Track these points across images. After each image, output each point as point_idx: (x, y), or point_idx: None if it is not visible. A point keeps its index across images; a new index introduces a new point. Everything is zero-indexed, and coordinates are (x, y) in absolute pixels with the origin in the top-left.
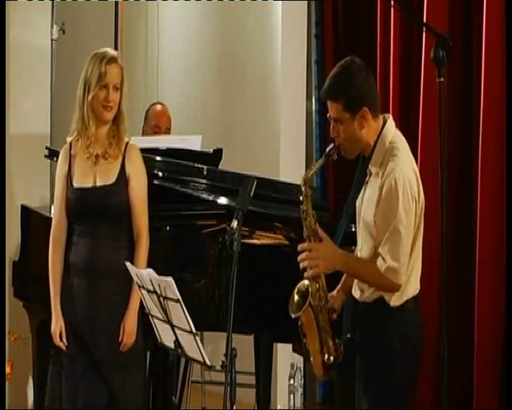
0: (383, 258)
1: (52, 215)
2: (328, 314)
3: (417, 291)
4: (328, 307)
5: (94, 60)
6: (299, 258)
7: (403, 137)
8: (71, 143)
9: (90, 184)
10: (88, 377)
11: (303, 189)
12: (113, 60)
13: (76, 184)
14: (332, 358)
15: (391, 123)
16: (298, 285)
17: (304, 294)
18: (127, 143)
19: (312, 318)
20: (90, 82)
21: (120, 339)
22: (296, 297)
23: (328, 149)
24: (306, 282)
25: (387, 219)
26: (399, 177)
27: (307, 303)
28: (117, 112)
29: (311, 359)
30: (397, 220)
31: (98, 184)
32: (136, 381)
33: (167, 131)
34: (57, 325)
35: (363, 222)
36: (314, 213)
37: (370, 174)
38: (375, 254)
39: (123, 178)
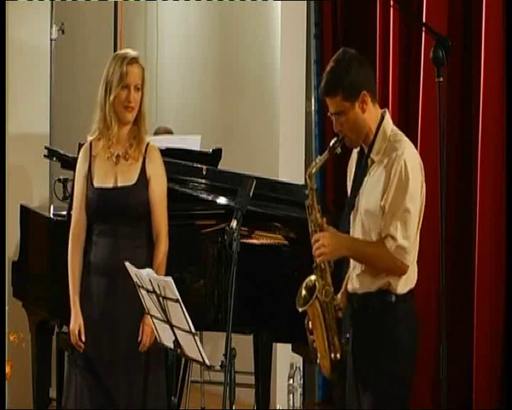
0: (393, 237)
1: (50, 213)
2: (335, 312)
3: (415, 282)
4: (334, 305)
5: (115, 60)
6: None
7: None
8: (91, 143)
9: (111, 185)
10: (107, 376)
11: (308, 183)
12: (134, 60)
13: (97, 184)
14: (339, 356)
15: (389, 117)
16: (305, 281)
17: (311, 289)
18: (148, 143)
19: (319, 313)
20: (112, 82)
21: (140, 339)
22: (303, 292)
23: (331, 143)
24: (313, 277)
25: (397, 199)
26: (409, 158)
27: (314, 296)
28: (138, 113)
29: (319, 357)
30: (407, 200)
31: (119, 185)
32: (157, 381)
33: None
34: (76, 322)
35: (364, 213)
36: (319, 208)
37: (372, 163)
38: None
39: (144, 178)
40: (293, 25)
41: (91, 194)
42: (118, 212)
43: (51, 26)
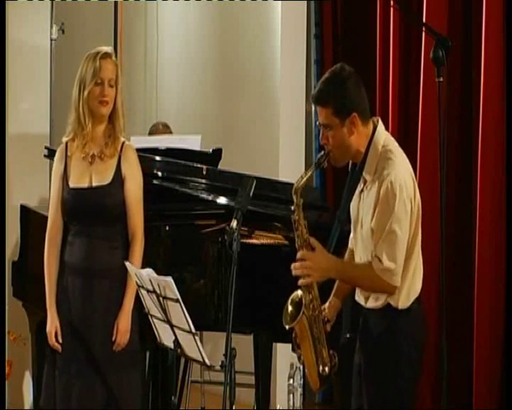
0: (379, 259)
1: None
2: (323, 325)
3: (420, 290)
4: (321, 318)
5: (88, 58)
6: (292, 266)
7: (393, 139)
8: (67, 144)
9: (86, 185)
10: (82, 376)
11: (294, 198)
12: (107, 55)
13: (72, 185)
14: (327, 369)
15: (381, 126)
16: (291, 296)
17: (297, 304)
18: (123, 143)
19: (307, 328)
20: (86, 79)
21: (114, 338)
22: (290, 308)
23: (318, 157)
24: (300, 292)
25: (383, 220)
26: (395, 179)
27: (301, 314)
28: (112, 109)
29: (306, 371)
30: (392, 221)
31: (94, 185)
32: (132, 381)
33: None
34: (52, 324)
35: (364, 232)
36: (306, 224)
37: (365, 182)
38: None
39: (119, 178)
40: (293, 25)
41: (67, 194)
42: (93, 212)
43: (51, 26)
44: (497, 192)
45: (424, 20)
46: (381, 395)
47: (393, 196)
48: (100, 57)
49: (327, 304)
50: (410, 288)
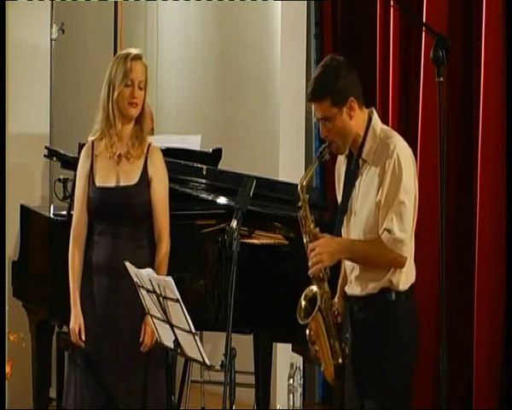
0: (389, 230)
1: (50, 213)
2: (334, 318)
3: (414, 278)
4: (333, 310)
5: (118, 59)
6: (309, 262)
7: None
8: (93, 143)
9: (112, 184)
10: (106, 376)
11: (300, 195)
12: (137, 57)
13: (98, 184)
14: (341, 360)
15: (376, 116)
16: (305, 291)
17: (311, 299)
18: (150, 144)
19: (321, 324)
20: (115, 81)
21: (141, 340)
22: (303, 303)
23: (320, 150)
24: (314, 288)
25: (391, 192)
26: (401, 152)
27: (316, 309)
28: (140, 111)
29: (323, 365)
30: (401, 193)
31: (121, 184)
32: (157, 381)
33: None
34: (76, 321)
35: (359, 214)
36: (313, 219)
37: (364, 163)
38: None
39: (145, 178)
40: (293, 25)
41: (93, 193)
42: (119, 211)
43: (51, 26)
44: (497, 192)
45: (424, 20)
46: (385, 382)
47: (400, 169)
48: (131, 59)
49: (336, 298)
50: (408, 270)
